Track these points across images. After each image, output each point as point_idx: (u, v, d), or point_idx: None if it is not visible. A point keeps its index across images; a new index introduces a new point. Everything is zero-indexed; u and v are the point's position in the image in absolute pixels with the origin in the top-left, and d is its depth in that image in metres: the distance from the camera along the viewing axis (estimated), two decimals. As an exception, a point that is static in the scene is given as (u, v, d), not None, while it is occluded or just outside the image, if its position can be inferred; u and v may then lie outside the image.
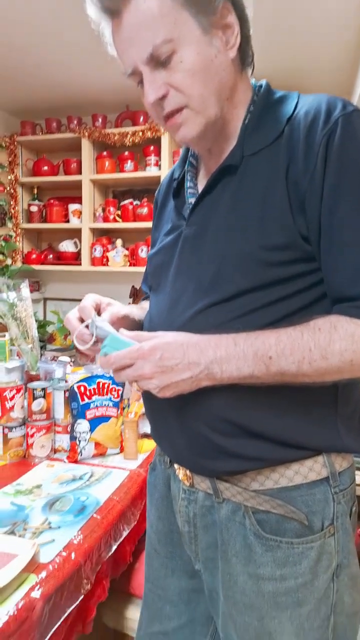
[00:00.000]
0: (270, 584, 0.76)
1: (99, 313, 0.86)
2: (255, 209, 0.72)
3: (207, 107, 0.73)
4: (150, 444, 1.56)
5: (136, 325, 0.93)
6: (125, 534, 1.19)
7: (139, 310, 0.97)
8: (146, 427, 1.63)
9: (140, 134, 2.50)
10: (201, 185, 0.85)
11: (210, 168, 0.81)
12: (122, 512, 1.20)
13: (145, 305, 1.06)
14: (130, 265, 2.58)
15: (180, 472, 0.87)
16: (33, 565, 0.94)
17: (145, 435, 1.62)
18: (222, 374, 0.70)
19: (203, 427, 0.77)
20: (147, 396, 0.80)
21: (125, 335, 0.75)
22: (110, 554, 1.12)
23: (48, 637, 0.87)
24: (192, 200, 0.84)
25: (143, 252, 2.52)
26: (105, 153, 2.64)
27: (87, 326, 0.80)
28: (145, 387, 0.72)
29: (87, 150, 2.63)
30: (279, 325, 0.70)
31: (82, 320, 0.82)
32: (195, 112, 0.73)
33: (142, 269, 2.55)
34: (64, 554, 0.99)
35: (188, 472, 0.85)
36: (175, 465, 0.89)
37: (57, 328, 2.80)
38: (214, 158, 0.81)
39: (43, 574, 0.92)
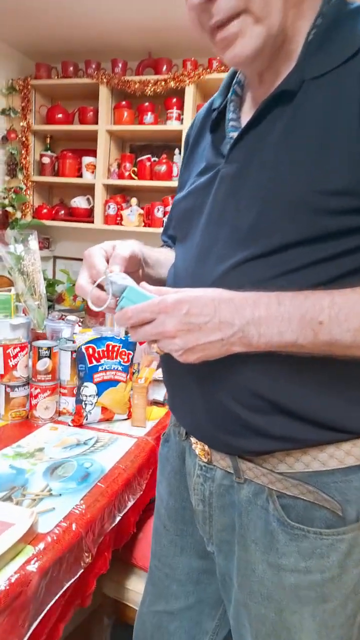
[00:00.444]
0: (293, 576, 0.68)
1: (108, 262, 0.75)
2: (312, 145, 0.60)
3: (271, 14, 0.59)
4: (159, 412, 1.48)
5: (144, 264, 0.83)
6: (130, 504, 1.13)
7: (152, 252, 0.87)
8: (156, 394, 1.55)
9: (163, 83, 2.33)
10: (246, 117, 0.73)
11: (259, 97, 0.69)
12: (128, 481, 1.13)
13: (162, 249, 0.95)
14: (145, 225, 2.45)
15: (197, 447, 0.79)
16: (30, 536, 0.87)
17: (155, 403, 1.54)
18: (260, 339, 0.60)
19: (228, 400, 0.68)
20: (166, 359, 0.70)
21: (146, 289, 0.66)
22: (113, 525, 1.06)
23: (43, 613, 0.81)
24: (234, 134, 0.72)
25: (159, 212, 2.38)
26: (124, 103, 2.47)
27: (100, 285, 0.70)
28: (166, 348, 0.63)
29: (104, 99, 2.47)
30: (329, 288, 0.59)
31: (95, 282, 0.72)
32: (254, 19, 0.59)
33: (158, 230, 2.44)
34: (64, 524, 0.92)
35: (206, 447, 0.77)
36: (192, 439, 0.80)
37: (67, 288, 2.71)
38: (265, 85, 0.69)
39: (41, 546, 0.85)
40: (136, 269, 0.80)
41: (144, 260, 0.82)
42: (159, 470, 0.95)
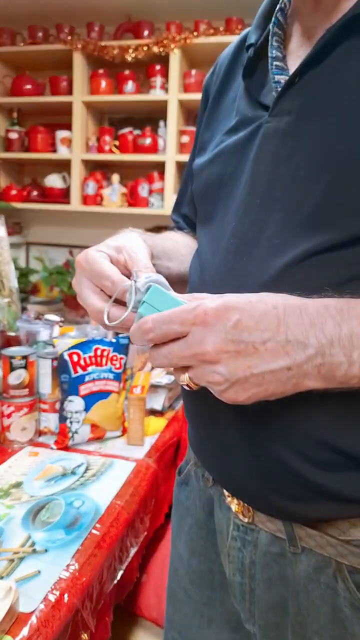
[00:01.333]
0: None
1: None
2: None
3: None
4: (158, 424, 1.26)
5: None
6: (133, 551, 0.91)
7: (155, 239, 0.64)
8: (153, 402, 1.33)
9: (145, 48, 2.06)
10: (295, 56, 0.54)
11: (316, 28, 0.51)
12: (129, 521, 0.92)
13: (167, 234, 0.73)
14: (128, 205, 2.20)
15: (233, 502, 0.58)
16: (9, 621, 0.65)
17: (152, 412, 1.32)
18: (350, 369, 0.41)
19: (285, 451, 0.49)
20: (192, 392, 0.48)
21: (176, 295, 0.47)
22: (115, 582, 0.84)
23: None
24: (282, 78, 0.52)
25: (144, 190, 2.14)
26: (101, 71, 2.20)
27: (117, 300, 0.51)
28: (203, 379, 0.43)
29: (79, 67, 2.19)
30: None
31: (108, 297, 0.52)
32: None
33: (143, 211, 2.19)
34: (53, 595, 0.71)
35: (246, 505, 0.56)
36: (225, 491, 0.59)
37: (42, 277, 2.45)
38: (323, 10, 0.51)
39: (24, 632, 0.64)
40: None
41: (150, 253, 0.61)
42: (176, 519, 0.74)
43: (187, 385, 0.44)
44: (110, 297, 0.50)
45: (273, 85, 0.52)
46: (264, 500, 0.54)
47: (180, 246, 0.70)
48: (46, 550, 0.80)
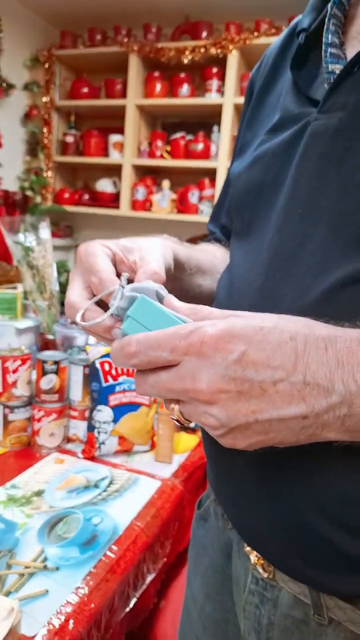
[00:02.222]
0: None
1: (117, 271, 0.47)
2: None
3: None
4: (189, 442, 1.21)
5: (178, 271, 0.55)
6: (150, 578, 0.86)
7: (189, 251, 0.57)
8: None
9: (202, 50, 2.03)
10: (356, 43, 0.46)
11: None
12: (148, 546, 0.87)
13: (204, 246, 0.67)
14: (178, 212, 2.17)
15: (253, 552, 0.52)
16: (8, 646, 0.61)
17: (184, 428, 1.27)
18: None
19: (313, 513, 0.42)
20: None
21: (173, 307, 0.39)
22: (127, 610, 0.80)
23: None
24: (337, 67, 0.45)
25: (194, 197, 2.10)
26: (156, 74, 2.19)
27: (102, 303, 0.44)
28: (195, 417, 0.36)
29: (134, 69, 2.18)
30: None
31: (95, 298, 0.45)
32: None
33: (192, 218, 2.15)
34: (58, 619, 0.67)
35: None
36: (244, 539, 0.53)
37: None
38: None
39: (23, 659, 0.60)
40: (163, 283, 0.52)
41: (178, 265, 0.54)
42: (192, 556, 0.68)
43: (177, 420, 0.38)
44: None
45: (326, 76, 0.45)
46: (285, 562, 0.47)
47: (219, 262, 0.63)
48: (57, 569, 0.76)
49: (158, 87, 2.17)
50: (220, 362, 0.33)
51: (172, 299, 0.40)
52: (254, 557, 0.51)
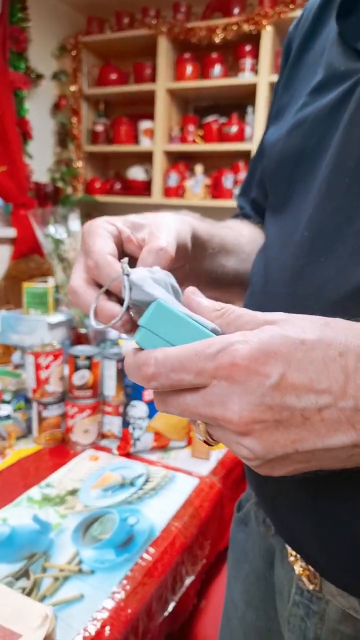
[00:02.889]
0: None
1: (122, 252, 0.41)
2: None
3: None
4: (227, 437, 1.16)
5: (200, 252, 0.48)
6: (189, 581, 0.83)
7: (214, 229, 0.51)
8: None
9: (235, 27, 1.94)
10: None
11: None
12: (186, 547, 0.83)
13: (231, 223, 0.60)
14: (212, 197, 2.11)
15: (298, 562, 0.48)
16: (42, 655, 0.59)
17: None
18: None
19: None
20: None
21: (195, 305, 0.33)
22: (165, 614, 0.77)
23: None
24: None
25: (229, 181, 2.03)
26: (187, 56, 2.11)
27: (108, 291, 0.38)
28: (226, 444, 0.31)
29: (164, 52, 2.12)
30: None
31: (98, 286, 0.39)
32: None
33: (227, 203, 2.08)
34: (92, 627, 0.65)
35: (312, 567, 0.45)
36: (288, 546, 0.49)
37: (122, 271, 2.43)
38: None
39: (58, 668, 0.58)
40: (180, 263, 0.45)
41: (198, 243, 0.47)
42: (232, 560, 0.65)
43: (205, 441, 0.33)
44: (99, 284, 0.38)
45: None
46: (335, 574, 0.42)
47: (245, 241, 0.57)
48: (92, 572, 0.74)
49: (189, 69, 2.10)
50: (255, 389, 0.28)
51: (194, 295, 0.34)
52: (298, 567, 0.47)
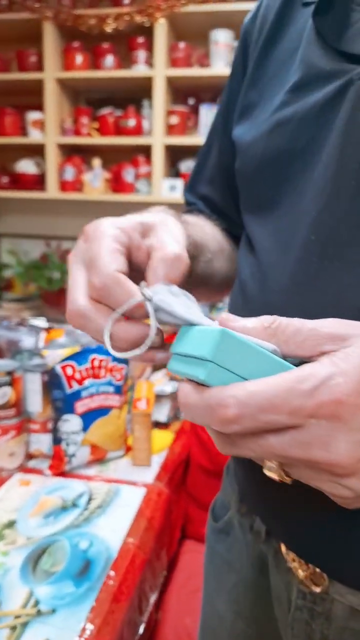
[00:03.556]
0: None
1: (130, 261, 0.36)
2: None
3: None
4: (164, 439, 1.14)
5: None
6: (154, 597, 0.79)
7: (192, 227, 0.48)
8: (157, 414, 1.20)
9: (127, 18, 1.89)
10: None
11: None
12: (146, 563, 0.79)
13: (194, 219, 0.57)
14: (112, 191, 2.04)
15: (301, 566, 0.47)
16: None
17: (156, 424, 1.19)
18: None
19: None
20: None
21: (240, 330, 0.28)
22: (137, 638, 0.72)
23: None
24: None
25: (130, 175, 1.98)
26: (76, 44, 2.01)
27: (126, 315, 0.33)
28: (316, 484, 0.28)
29: (51, 39, 1.99)
30: None
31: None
32: None
33: (129, 197, 2.03)
34: (69, 674, 0.58)
35: (317, 570, 0.45)
36: (284, 548, 0.48)
37: (17, 272, 2.26)
38: None
39: None
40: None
41: (195, 249, 0.46)
42: (212, 571, 0.62)
43: (275, 477, 0.29)
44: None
45: None
46: (346, 573, 0.42)
47: (210, 238, 0.54)
48: (54, 611, 0.67)
49: (79, 59, 2.00)
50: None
51: (232, 321, 0.29)
52: (302, 571, 0.46)
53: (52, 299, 2.09)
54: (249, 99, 0.51)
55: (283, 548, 0.49)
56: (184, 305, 0.31)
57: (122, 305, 0.31)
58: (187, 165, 2.05)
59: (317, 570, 0.45)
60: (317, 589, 0.45)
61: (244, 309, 0.47)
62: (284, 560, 0.49)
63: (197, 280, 0.51)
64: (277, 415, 0.25)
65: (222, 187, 0.61)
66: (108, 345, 0.32)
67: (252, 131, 0.48)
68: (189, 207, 0.66)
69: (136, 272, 0.35)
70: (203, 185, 0.64)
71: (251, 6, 0.48)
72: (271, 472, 0.29)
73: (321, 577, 0.45)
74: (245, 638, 0.58)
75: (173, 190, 1.92)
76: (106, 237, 0.34)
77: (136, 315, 0.32)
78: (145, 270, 0.35)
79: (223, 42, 1.80)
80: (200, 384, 0.27)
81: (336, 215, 0.38)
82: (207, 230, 0.56)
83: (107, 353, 1.02)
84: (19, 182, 2.22)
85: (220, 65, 1.84)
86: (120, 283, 0.32)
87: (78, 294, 0.33)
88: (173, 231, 0.36)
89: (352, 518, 0.39)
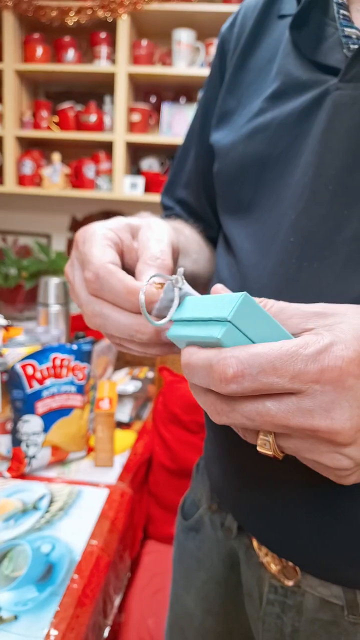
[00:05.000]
0: None
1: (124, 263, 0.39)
2: None
3: None
4: (126, 439, 1.13)
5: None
6: (118, 600, 0.78)
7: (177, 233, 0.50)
8: (118, 413, 1.19)
9: (89, 12, 1.85)
10: None
11: None
12: (110, 565, 0.78)
13: (182, 228, 0.58)
14: (72, 187, 2.00)
15: (273, 560, 0.48)
16: None
17: (118, 424, 1.18)
18: None
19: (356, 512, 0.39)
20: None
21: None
22: (99, 642, 0.71)
23: None
24: (352, 32, 0.41)
25: (91, 171, 1.95)
26: (36, 36, 1.96)
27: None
28: (312, 456, 0.28)
29: (10, 30, 1.93)
30: None
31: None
32: None
33: (89, 194, 2.00)
34: None
35: (290, 563, 0.46)
36: (256, 542, 0.49)
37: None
38: None
39: None
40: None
41: (182, 249, 0.49)
42: (181, 569, 0.63)
43: (263, 451, 0.30)
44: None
45: (344, 40, 0.40)
46: (319, 565, 0.44)
47: (192, 240, 0.57)
48: (16, 617, 0.65)
49: (39, 51, 1.94)
50: None
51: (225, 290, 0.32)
52: (274, 565, 0.47)
53: (8, 296, 2.03)
54: (227, 106, 0.52)
55: (255, 543, 0.50)
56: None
57: (145, 283, 0.33)
58: (148, 163, 2.04)
59: (290, 563, 0.46)
60: (290, 583, 0.47)
61: None
62: (255, 555, 0.50)
63: (187, 278, 0.52)
64: (279, 379, 0.25)
65: (198, 190, 0.62)
66: (146, 315, 0.32)
67: (230, 136, 0.49)
68: (166, 211, 0.66)
69: (132, 274, 0.37)
70: (180, 189, 0.65)
71: (214, 8, 0.49)
72: (264, 449, 0.29)
73: (293, 570, 0.47)
74: (215, 635, 0.58)
75: (134, 187, 1.90)
76: (96, 235, 0.37)
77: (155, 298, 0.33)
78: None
79: (185, 42, 1.80)
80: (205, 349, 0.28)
81: (314, 219, 0.40)
82: (187, 233, 0.58)
83: (68, 352, 1.00)
84: (-26, 175, 2.14)
85: (182, 65, 1.84)
86: (112, 273, 0.34)
87: (82, 295, 0.36)
88: (157, 232, 0.38)
89: (323, 510, 0.41)
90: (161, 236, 0.38)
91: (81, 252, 0.36)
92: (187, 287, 0.33)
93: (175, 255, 0.40)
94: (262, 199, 0.45)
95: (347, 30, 0.40)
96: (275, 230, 0.42)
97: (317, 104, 0.41)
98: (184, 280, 0.33)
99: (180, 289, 0.32)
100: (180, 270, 0.33)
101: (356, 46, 0.39)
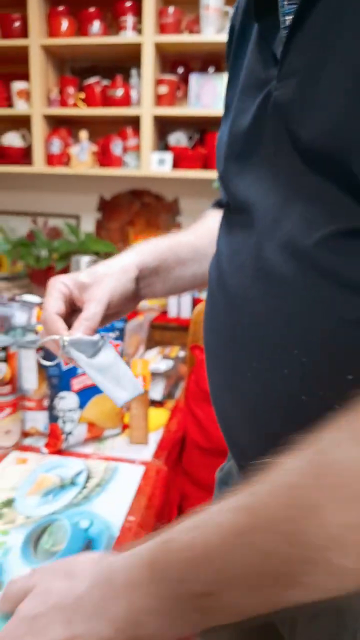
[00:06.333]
0: None
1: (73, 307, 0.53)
2: None
3: None
4: (159, 417, 1.13)
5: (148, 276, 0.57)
6: (154, 575, 0.78)
7: (169, 248, 0.59)
8: (151, 391, 1.18)
9: (112, -21, 1.80)
10: None
11: None
12: (147, 540, 0.78)
13: (209, 227, 0.60)
14: (100, 165, 1.98)
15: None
16: None
17: (152, 402, 1.18)
18: None
19: None
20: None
21: None
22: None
23: None
24: (290, 19, 0.35)
25: (118, 147, 1.92)
26: (61, 9, 1.92)
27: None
28: None
29: (35, 3, 1.90)
30: None
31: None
32: None
33: (117, 172, 1.97)
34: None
35: None
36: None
37: (3, 250, 2.20)
38: None
39: None
40: (125, 307, 0.56)
41: (153, 271, 0.56)
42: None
43: None
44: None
45: (282, 32, 0.36)
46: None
47: (207, 243, 0.58)
48: (56, 590, 0.65)
49: (64, 24, 1.91)
50: None
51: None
52: None
53: (40, 277, 2.05)
54: (227, 98, 0.49)
55: None
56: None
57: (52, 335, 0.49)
58: (176, 138, 2.00)
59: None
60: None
61: (218, 283, 0.47)
62: None
63: (164, 293, 0.59)
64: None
65: None
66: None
67: (221, 133, 0.48)
68: (217, 199, 0.64)
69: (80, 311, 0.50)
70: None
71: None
72: None
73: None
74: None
75: (162, 164, 1.87)
76: (53, 289, 0.50)
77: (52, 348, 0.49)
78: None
79: (214, 6, 1.72)
80: None
81: (268, 209, 0.39)
82: (193, 234, 0.61)
83: (102, 329, 0.99)
84: (5, 156, 2.14)
85: (210, 32, 1.77)
86: (52, 321, 0.48)
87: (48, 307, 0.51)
88: (100, 292, 0.49)
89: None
90: (102, 297, 0.49)
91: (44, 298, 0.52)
92: (73, 352, 0.48)
93: (125, 297, 0.52)
94: (240, 189, 0.43)
95: (288, 18, 0.35)
96: (244, 228, 0.42)
97: (263, 106, 0.37)
98: (69, 347, 0.48)
99: (64, 347, 0.48)
100: (66, 338, 0.47)
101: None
